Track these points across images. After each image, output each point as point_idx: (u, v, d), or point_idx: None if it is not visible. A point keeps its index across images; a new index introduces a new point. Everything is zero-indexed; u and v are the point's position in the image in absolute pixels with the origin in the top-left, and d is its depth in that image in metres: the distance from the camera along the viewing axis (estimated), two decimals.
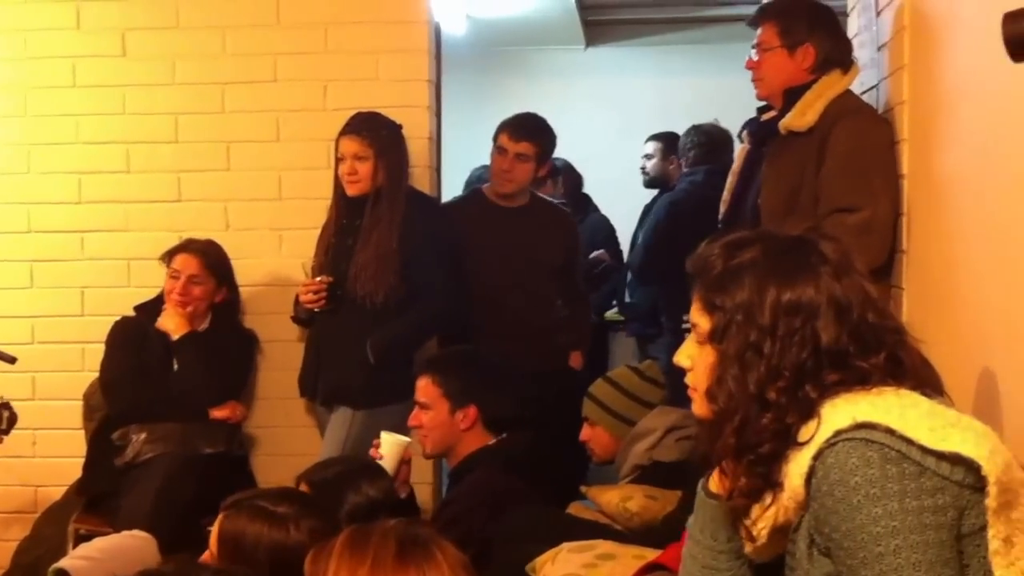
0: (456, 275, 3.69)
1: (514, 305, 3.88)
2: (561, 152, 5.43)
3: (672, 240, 4.43)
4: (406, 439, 2.99)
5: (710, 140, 4.90)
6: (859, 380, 1.55)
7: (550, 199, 4.45)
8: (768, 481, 1.57)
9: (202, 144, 4.00)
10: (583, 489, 3.16)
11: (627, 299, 5.11)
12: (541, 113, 4.12)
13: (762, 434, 1.56)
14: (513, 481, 3.05)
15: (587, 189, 5.75)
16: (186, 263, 3.68)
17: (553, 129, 3.99)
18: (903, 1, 2.98)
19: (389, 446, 2.97)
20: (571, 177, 5.47)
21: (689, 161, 4.94)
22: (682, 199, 4.76)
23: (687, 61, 6.93)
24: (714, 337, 1.62)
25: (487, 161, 4.08)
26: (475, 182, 4.91)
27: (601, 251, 5.17)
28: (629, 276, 5.06)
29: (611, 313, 5.32)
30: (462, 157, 5.03)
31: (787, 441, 1.55)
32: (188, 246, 3.73)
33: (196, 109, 3.99)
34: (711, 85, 6.37)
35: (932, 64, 2.72)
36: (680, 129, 5.29)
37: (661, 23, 6.94)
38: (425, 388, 3.20)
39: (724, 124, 4.98)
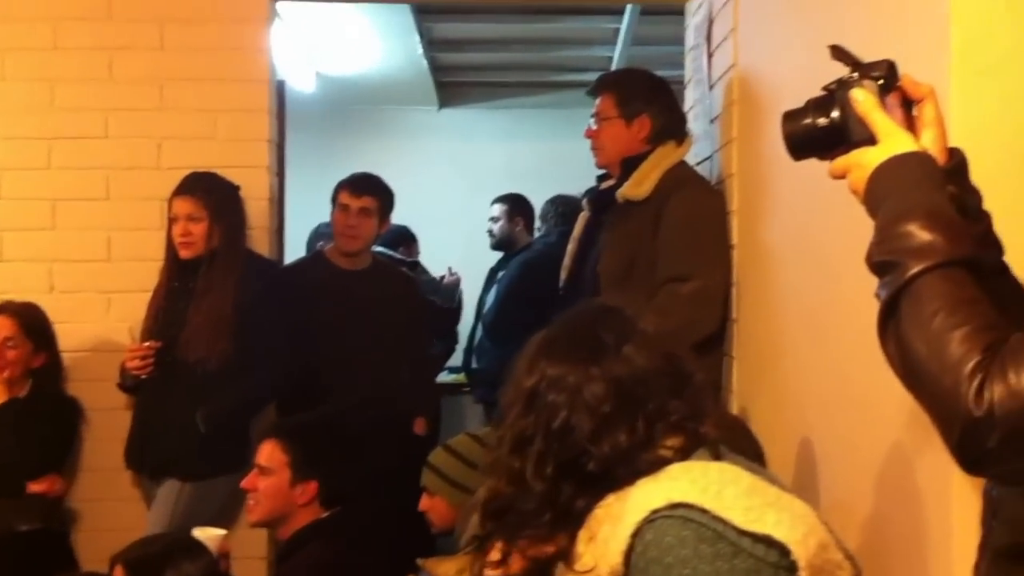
0: (294, 341, 3.59)
1: (359, 370, 3.79)
2: (413, 212, 5.42)
3: (524, 299, 4.45)
4: (222, 532, 2.83)
5: (568, 206, 4.95)
6: (653, 458, 1.51)
7: (391, 262, 4.40)
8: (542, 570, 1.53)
9: (26, 201, 3.81)
10: (419, 562, 3.08)
11: (474, 364, 5.08)
12: (393, 173, 4.10)
13: (532, 516, 1.51)
14: (351, 555, 2.95)
15: (438, 249, 5.73)
16: (0, 326, 3.49)
17: (389, 186, 3.95)
18: (733, 76, 3.06)
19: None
20: (407, 239, 5.45)
21: (548, 225, 4.99)
22: (535, 259, 4.79)
23: (539, 125, 7.00)
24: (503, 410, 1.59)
25: None
26: (317, 237, 4.83)
27: (453, 276, 5.19)
28: (476, 339, 5.03)
29: (457, 377, 5.28)
30: (312, 217, 4.94)
31: (567, 522, 1.51)
32: (4, 308, 3.54)
33: (20, 165, 3.80)
34: (563, 148, 6.42)
35: (758, 138, 2.79)
36: (532, 191, 5.33)
37: (513, 87, 7.00)
38: (271, 453, 3.08)
39: (574, 187, 5.03)
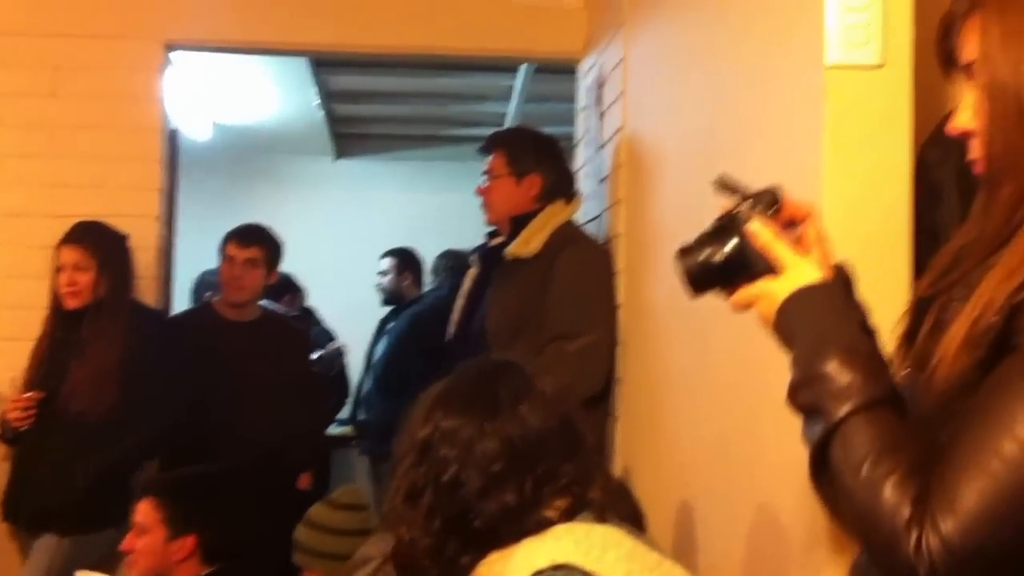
0: (180, 394, 3.54)
1: (245, 423, 3.74)
2: (307, 262, 5.39)
3: (414, 352, 4.45)
4: None
5: (458, 260, 4.98)
6: (539, 519, 1.54)
7: (282, 313, 4.38)
8: None
9: None
10: None
11: (360, 416, 5.06)
12: (288, 222, 4.08)
13: (420, 570, 1.53)
14: None
15: (331, 300, 5.71)
16: None
17: (278, 237, 3.93)
18: (622, 139, 3.15)
19: None
20: (295, 290, 5.42)
21: (439, 279, 5.02)
22: (425, 312, 4.80)
23: (435, 177, 7.04)
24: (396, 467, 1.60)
25: None
26: (202, 285, 4.77)
27: (337, 344, 5.15)
28: (363, 391, 5.01)
29: (345, 430, 5.25)
30: (206, 266, 4.89)
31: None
32: None
33: None
34: (459, 202, 6.47)
35: (644, 200, 2.87)
36: (427, 244, 5.36)
37: (410, 139, 7.04)
38: (145, 512, 3.02)
39: (470, 241, 5.07)
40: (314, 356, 4.59)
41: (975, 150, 1.07)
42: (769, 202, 1.16)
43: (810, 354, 1.04)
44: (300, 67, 5.05)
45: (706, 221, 1.26)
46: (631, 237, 3.01)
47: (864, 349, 1.05)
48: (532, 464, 1.51)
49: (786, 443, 1.06)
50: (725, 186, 1.20)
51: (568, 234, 3.12)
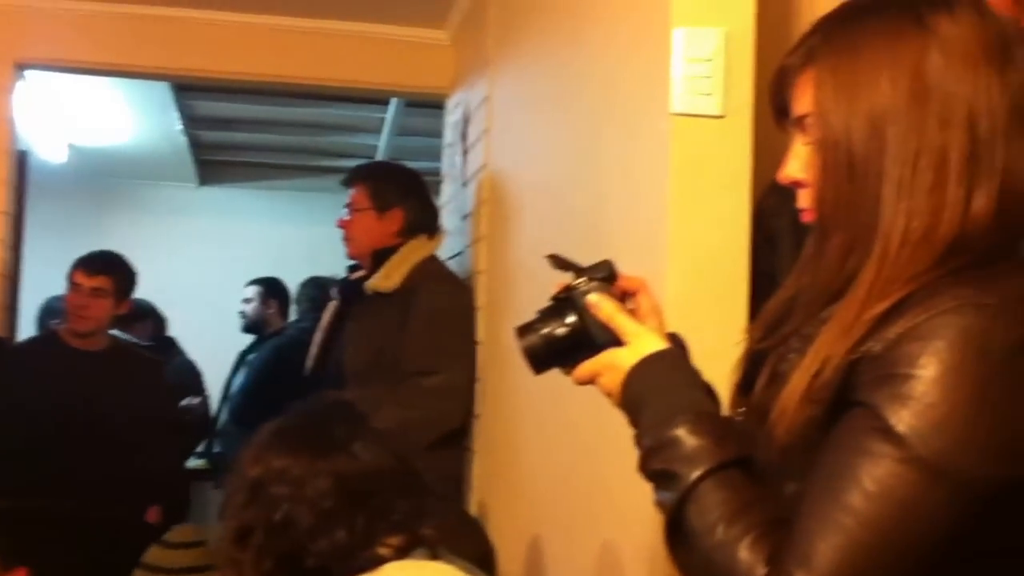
0: (20, 424, 3.40)
1: (91, 454, 3.61)
2: (168, 290, 5.26)
3: (274, 384, 4.36)
4: None
5: (323, 291, 4.91)
6: (371, 556, 1.52)
7: (134, 342, 4.25)
8: None
9: None
10: None
11: (216, 449, 4.94)
12: (150, 249, 3.98)
13: None
14: None
15: (193, 330, 5.57)
16: None
17: (132, 266, 3.82)
18: (485, 176, 3.17)
19: None
20: (156, 319, 5.28)
21: (302, 309, 4.94)
22: (287, 344, 4.71)
23: (302, 207, 6.97)
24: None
25: None
26: (48, 312, 4.61)
27: (196, 399, 4.99)
28: (220, 424, 4.90)
29: (200, 463, 5.11)
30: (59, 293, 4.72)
31: None
32: None
33: None
34: (326, 232, 6.42)
35: (505, 238, 2.89)
36: (294, 274, 5.28)
37: (277, 168, 6.96)
38: None
39: (336, 272, 5.01)
40: (183, 403, 4.50)
41: (804, 199, 1.10)
42: (606, 275, 1.16)
43: (659, 421, 1.04)
44: (162, 91, 4.95)
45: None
46: (492, 274, 3.03)
47: (712, 413, 1.07)
48: (364, 501, 1.51)
49: (627, 483, 1.07)
50: (559, 263, 1.19)
51: (429, 269, 3.12)
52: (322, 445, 1.53)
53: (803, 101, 1.07)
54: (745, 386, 1.14)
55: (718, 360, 1.20)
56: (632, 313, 1.16)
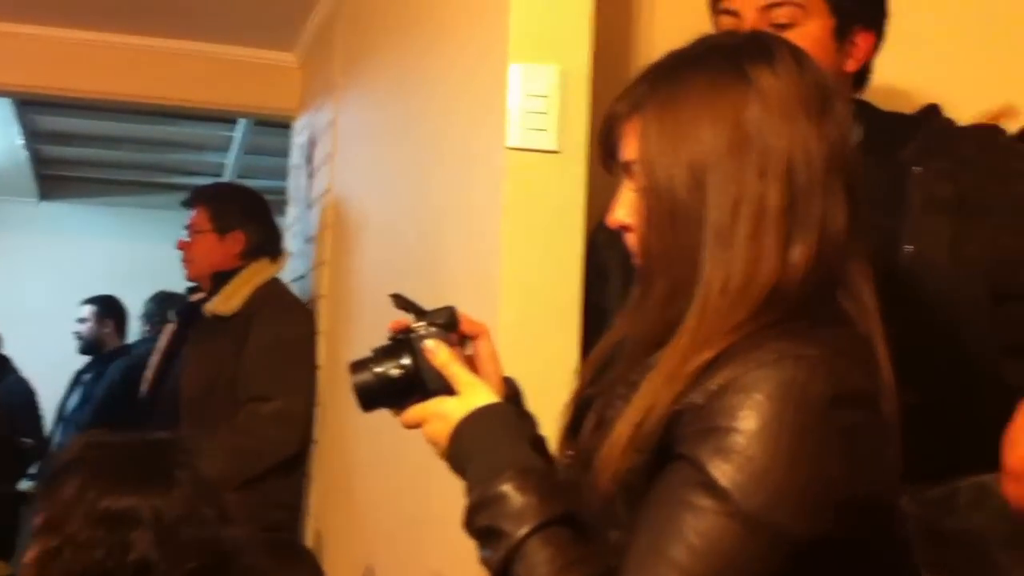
0: None
1: None
2: (6, 308, 5.04)
3: (124, 405, 4.22)
4: None
5: (172, 307, 4.78)
6: None
7: None
8: None
9: None
10: None
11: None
12: None
13: None
14: None
15: (30, 348, 5.37)
16: None
17: None
18: (329, 200, 3.14)
19: None
20: None
21: (153, 326, 4.79)
22: (136, 365, 4.57)
23: (148, 225, 6.78)
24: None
25: None
26: None
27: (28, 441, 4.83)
28: (55, 443, 4.71)
29: (31, 486, 4.91)
30: None
31: None
32: None
33: None
34: (168, 250, 6.27)
35: (348, 263, 2.87)
36: (137, 294, 5.13)
37: (123, 185, 6.77)
38: None
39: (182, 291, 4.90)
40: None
41: (631, 243, 1.12)
42: (446, 322, 1.16)
43: (485, 477, 1.03)
44: (3, 106, 4.78)
45: (402, 288, 1.24)
46: (333, 299, 3.00)
47: (539, 470, 1.05)
48: (178, 540, 1.47)
49: (456, 517, 1.06)
50: (401, 303, 1.18)
51: (270, 293, 3.07)
52: (153, 482, 1.49)
53: (629, 148, 1.09)
54: (573, 429, 1.14)
55: (550, 394, 1.20)
56: (470, 359, 1.16)
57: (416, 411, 1.13)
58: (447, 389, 1.12)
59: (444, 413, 1.10)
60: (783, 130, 1.01)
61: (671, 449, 0.97)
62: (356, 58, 2.95)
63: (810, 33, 1.39)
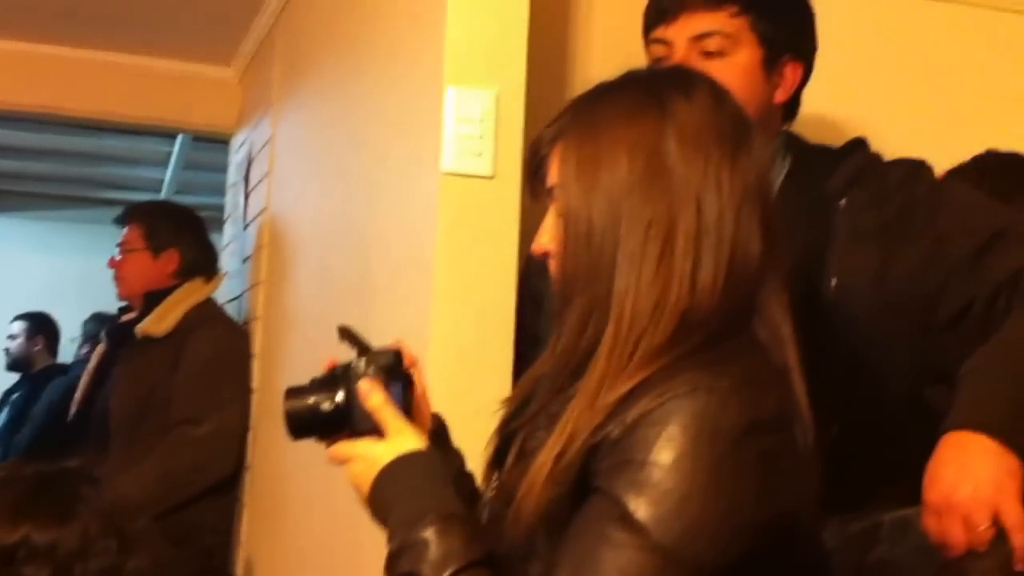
0: None
1: None
2: None
3: (61, 424, 4.14)
4: None
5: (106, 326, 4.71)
6: None
7: None
8: None
9: None
10: None
11: None
12: None
13: None
14: None
15: None
16: None
17: None
18: (265, 219, 3.10)
19: None
20: None
21: (93, 346, 4.71)
22: (75, 384, 4.49)
23: (83, 240, 6.66)
24: None
25: None
26: None
27: None
28: None
29: None
30: None
31: None
32: None
33: None
34: (102, 266, 6.18)
35: (283, 284, 2.83)
36: (67, 310, 5.03)
37: (57, 199, 6.64)
38: None
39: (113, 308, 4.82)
40: None
41: (552, 270, 1.12)
42: (387, 364, 1.14)
43: (409, 521, 1.03)
44: None
45: (337, 316, 1.23)
46: (268, 321, 2.96)
47: (461, 515, 1.05)
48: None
49: (381, 551, 1.04)
50: (346, 337, 1.17)
51: (204, 313, 3.02)
52: (51, 514, 1.45)
53: (552, 175, 1.10)
54: (497, 461, 1.15)
55: (481, 422, 1.19)
56: (411, 390, 1.15)
57: (343, 448, 1.12)
58: (376, 431, 1.11)
59: (370, 456, 1.10)
60: (696, 159, 1.04)
61: (590, 482, 0.97)
62: (295, 75, 2.92)
63: (739, 63, 1.41)
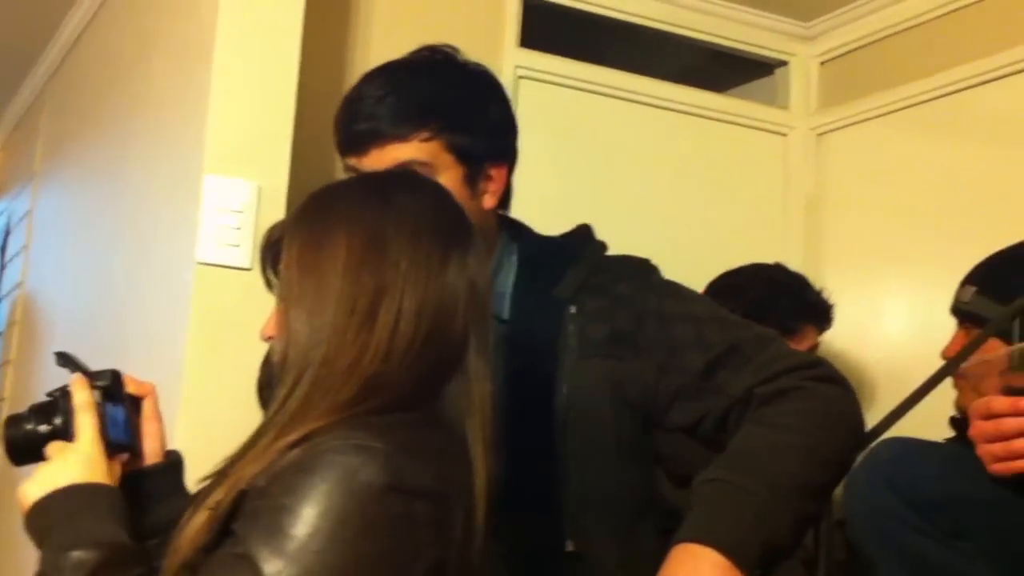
0: None
1: None
2: None
3: None
4: None
5: None
6: None
7: None
8: None
9: None
10: None
11: None
12: None
13: None
14: None
15: None
16: None
17: None
18: (19, 295, 2.96)
19: None
20: None
21: None
22: None
23: None
24: None
25: None
26: None
27: None
28: None
29: None
30: None
31: None
32: None
33: None
34: None
35: (32, 363, 2.70)
36: None
37: None
38: None
39: None
40: None
41: (274, 352, 1.13)
42: (104, 385, 1.17)
43: (63, 547, 1.03)
44: None
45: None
46: (15, 403, 2.80)
47: (116, 544, 1.05)
48: None
49: None
50: (64, 361, 1.21)
51: None
52: None
53: (282, 262, 1.13)
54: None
55: None
56: (143, 415, 1.19)
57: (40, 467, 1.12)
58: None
59: (47, 471, 1.10)
60: (410, 244, 1.08)
61: (229, 530, 0.99)
62: (58, 148, 2.81)
63: (443, 184, 1.25)
